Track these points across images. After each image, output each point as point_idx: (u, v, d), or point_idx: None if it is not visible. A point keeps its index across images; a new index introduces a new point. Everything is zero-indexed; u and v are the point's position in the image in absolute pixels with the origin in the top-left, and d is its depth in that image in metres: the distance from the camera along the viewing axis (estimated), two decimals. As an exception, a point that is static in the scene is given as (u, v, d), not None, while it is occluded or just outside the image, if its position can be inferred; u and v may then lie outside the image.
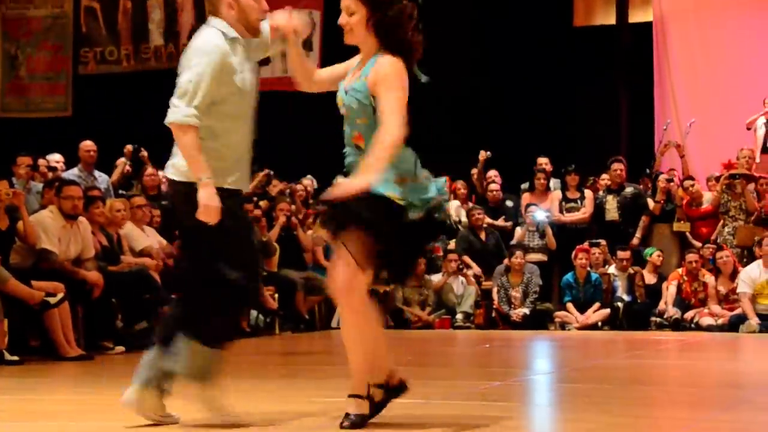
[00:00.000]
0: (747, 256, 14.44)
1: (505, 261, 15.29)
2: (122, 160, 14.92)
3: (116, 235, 12.05)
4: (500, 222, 16.40)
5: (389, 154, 5.15)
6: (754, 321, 13.50)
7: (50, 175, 13.39)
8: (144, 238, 12.49)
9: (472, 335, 14.07)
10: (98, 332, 10.92)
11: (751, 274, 13.79)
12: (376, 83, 5.28)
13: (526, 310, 14.90)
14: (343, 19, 5.40)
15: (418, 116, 17.74)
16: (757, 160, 16.25)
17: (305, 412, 6.46)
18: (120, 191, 14.09)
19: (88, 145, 14.31)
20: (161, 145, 15.08)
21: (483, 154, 16.91)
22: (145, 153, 14.91)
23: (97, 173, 14.28)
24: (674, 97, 18.58)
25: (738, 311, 14.01)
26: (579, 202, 15.97)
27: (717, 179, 15.56)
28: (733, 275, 14.13)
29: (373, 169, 5.12)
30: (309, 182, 16.45)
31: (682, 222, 15.46)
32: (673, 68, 18.77)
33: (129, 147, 14.97)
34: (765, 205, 15.13)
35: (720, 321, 14.05)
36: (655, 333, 14.03)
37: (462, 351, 11.96)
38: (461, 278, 15.31)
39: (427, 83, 5.44)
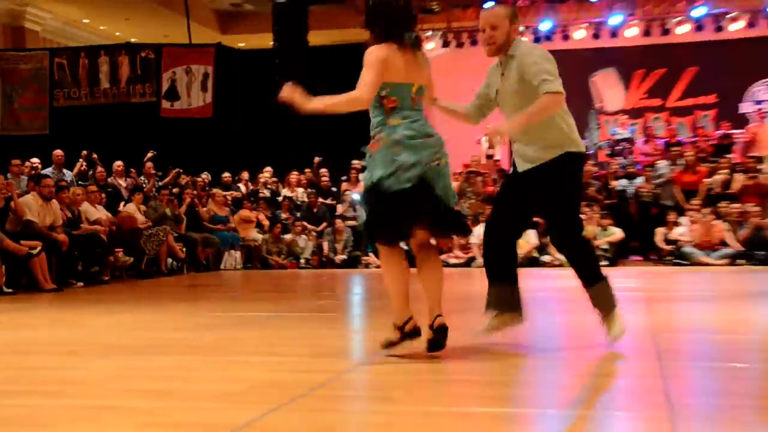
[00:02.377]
0: (476, 222, 14.69)
1: (336, 224, 15.43)
2: (80, 160, 14.75)
3: (77, 211, 11.99)
4: (329, 201, 16.54)
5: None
6: (480, 260, 13.81)
7: (32, 172, 13.23)
8: (95, 213, 12.35)
9: (311, 273, 14.14)
10: (65, 273, 10.81)
11: (477, 232, 14.11)
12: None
13: (345, 256, 15.05)
14: None
15: (290, 136, 17.46)
16: (483, 162, 16.82)
17: (203, 323, 6.55)
18: (79, 182, 13.93)
19: (58, 152, 14.20)
20: (107, 153, 15.06)
21: (317, 159, 17.12)
22: (95, 155, 14.77)
23: (65, 171, 14.11)
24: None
25: (471, 254, 14.27)
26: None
27: (459, 174, 15.78)
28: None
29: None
30: (205, 176, 16.38)
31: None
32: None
33: (84, 152, 14.83)
34: (488, 190, 15.48)
35: (459, 261, 14.33)
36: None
37: (306, 282, 12.03)
38: (303, 236, 15.40)
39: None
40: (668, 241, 14.20)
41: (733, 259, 13.55)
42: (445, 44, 19.01)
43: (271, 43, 19.01)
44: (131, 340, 5.57)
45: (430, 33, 19.06)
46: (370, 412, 3.49)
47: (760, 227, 13.40)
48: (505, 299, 4.78)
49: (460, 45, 18.79)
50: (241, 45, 21.64)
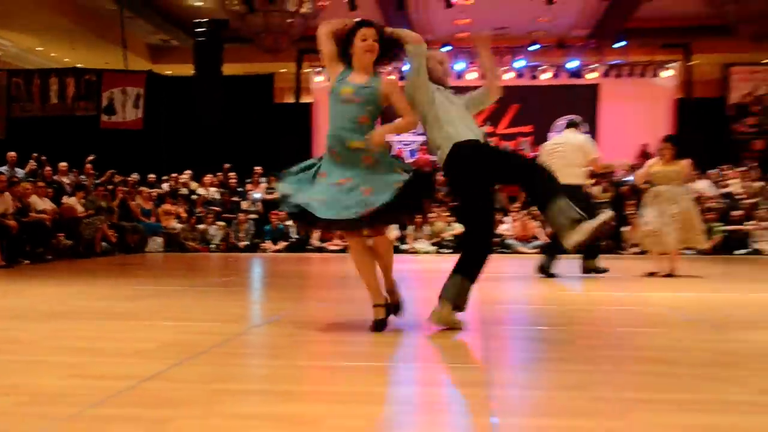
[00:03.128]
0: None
1: (240, 217, 15.19)
2: (31, 161, 14.15)
3: (27, 202, 11.37)
4: (235, 198, 16.26)
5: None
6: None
7: (-11, 169, 12.65)
8: (42, 204, 11.80)
9: (220, 255, 13.87)
10: (15, 253, 10.26)
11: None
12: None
13: (247, 242, 14.82)
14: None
15: (206, 146, 17.11)
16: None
17: (126, 294, 6.32)
18: (30, 179, 13.28)
19: (12, 154, 13.61)
20: (54, 156, 14.49)
21: (226, 165, 16.81)
22: (44, 157, 14.22)
23: (17, 169, 13.51)
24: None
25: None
26: (274, 191, 16.00)
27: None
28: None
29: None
30: (135, 176, 15.89)
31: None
32: (322, 125, 18.95)
33: (34, 154, 14.26)
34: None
35: (338, 248, 14.22)
36: (276, 255, 14.16)
37: (215, 263, 11.77)
38: (214, 225, 15.09)
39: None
40: (495, 235, 14.52)
41: (542, 249, 13.93)
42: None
43: (193, 71, 18.79)
44: (66, 307, 5.33)
45: (319, 69, 19.05)
46: (256, 366, 3.42)
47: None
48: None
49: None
50: (168, 72, 21.19)
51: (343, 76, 4.14)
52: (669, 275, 8.13)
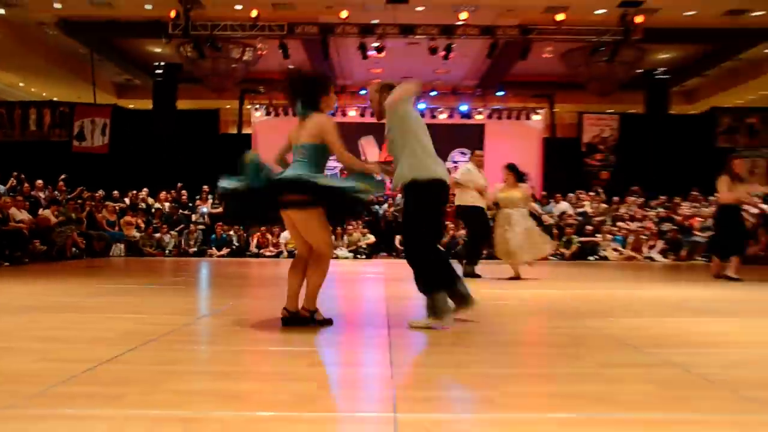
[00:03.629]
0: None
1: (190, 227, 14.79)
2: (12, 178, 13.45)
3: (7, 213, 10.83)
4: (186, 212, 15.83)
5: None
6: (286, 253, 13.53)
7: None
8: (20, 215, 11.25)
9: (172, 260, 13.47)
10: (-6, 256, 9.77)
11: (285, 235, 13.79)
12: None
13: (196, 249, 14.42)
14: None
15: (162, 167, 16.50)
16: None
17: (91, 292, 6.07)
18: (10, 193, 12.63)
19: (-7, 172, 12.91)
20: (32, 174, 13.83)
21: (179, 184, 16.36)
22: (23, 176, 13.56)
23: (-1, 185, 12.89)
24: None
25: (280, 249, 13.96)
26: (219, 206, 15.67)
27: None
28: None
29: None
30: (101, 192, 15.29)
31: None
32: (260, 152, 18.64)
33: (15, 173, 13.56)
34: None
35: (272, 253, 14.01)
36: (218, 258, 13.90)
37: (168, 266, 11.41)
38: (168, 234, 14.65)
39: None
40: (402, 243, 14.59)
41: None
42: (268, 113, 18.79)
43: (151, 106, 18.37)
44: (38, 302, 5.07)
45: (258, 106, 18.84)
46: (199, 351, 3.34)
47: (454, 236, 14.05)
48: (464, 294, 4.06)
49: (277, 114, 18.65)
50: (131, 106, 20.59)
51: None
52: (515, 278, 8.00)
